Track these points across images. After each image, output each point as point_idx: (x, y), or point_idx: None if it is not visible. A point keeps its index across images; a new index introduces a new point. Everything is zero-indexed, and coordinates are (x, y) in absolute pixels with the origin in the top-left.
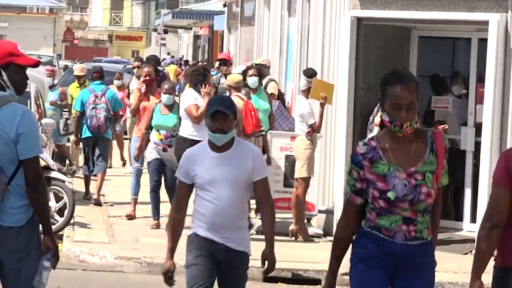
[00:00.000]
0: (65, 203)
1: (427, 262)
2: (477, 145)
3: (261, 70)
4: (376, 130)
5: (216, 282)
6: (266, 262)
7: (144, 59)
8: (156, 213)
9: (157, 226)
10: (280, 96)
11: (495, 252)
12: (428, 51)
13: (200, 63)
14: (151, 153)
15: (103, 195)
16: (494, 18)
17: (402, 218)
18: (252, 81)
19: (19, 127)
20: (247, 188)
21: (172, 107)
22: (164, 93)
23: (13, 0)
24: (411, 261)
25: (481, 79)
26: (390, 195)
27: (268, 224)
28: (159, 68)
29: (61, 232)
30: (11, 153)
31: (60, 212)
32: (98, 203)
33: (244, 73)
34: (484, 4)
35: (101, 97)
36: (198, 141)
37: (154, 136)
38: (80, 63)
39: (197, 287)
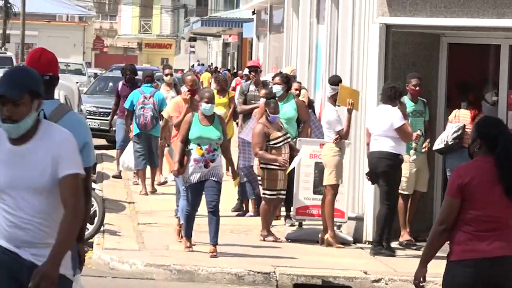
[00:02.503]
0: (95, 210)
1: None
2: None
3: (289, 79)
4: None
5: None
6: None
7: (169, 67)
8: (189, 234)
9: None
10: (310, 104)
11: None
12: (457, 58)
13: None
14: (192, 175)
15: (134, 202)
16: None
17: None
18: (276, 89)
19: (85, 136)
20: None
21: (213, 118)
22: (206, 102)
23: (43, 8)
24: None
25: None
26: None
27: (61, 232)
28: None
29: (91, 240)
30: None
31: (90, 219)
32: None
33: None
34: None
35: (150, 98)
36: (398, 155)
37: (194, 151)
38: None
39: None
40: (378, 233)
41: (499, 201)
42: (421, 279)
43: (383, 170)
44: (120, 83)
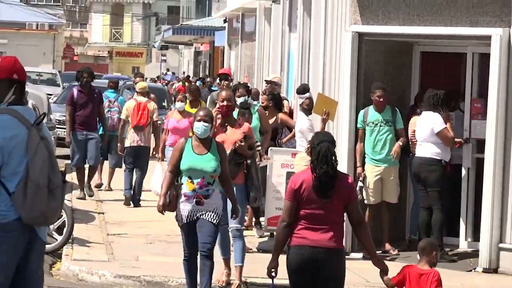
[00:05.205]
0: (64, 221)
1: None
2: (475, 161)
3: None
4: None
5: None
6: None
7: (140, 75)
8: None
9: None
10: (292, 114)
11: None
12: (430, 66)
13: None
14: (182, 213)
15: (103, 213)
16: (496, 33)
17: None
18: (239, 101)
19: None
20: None
21: (210, 145)
22: (199, 120)
23: (13, 16)
24: None
25: (479, 94)
26: None
27: None
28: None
29: (59, 251)
30: None
31: (59, 230)
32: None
33: (234, 92)
34: (486, 19)
35: (114, 102)
36: (439, 160)
37: (184, 185)
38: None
39: None
40: (437, 237)
41: (318, 201)
42: (272, 270)
43: (425, 176)
44: (75, 90)
